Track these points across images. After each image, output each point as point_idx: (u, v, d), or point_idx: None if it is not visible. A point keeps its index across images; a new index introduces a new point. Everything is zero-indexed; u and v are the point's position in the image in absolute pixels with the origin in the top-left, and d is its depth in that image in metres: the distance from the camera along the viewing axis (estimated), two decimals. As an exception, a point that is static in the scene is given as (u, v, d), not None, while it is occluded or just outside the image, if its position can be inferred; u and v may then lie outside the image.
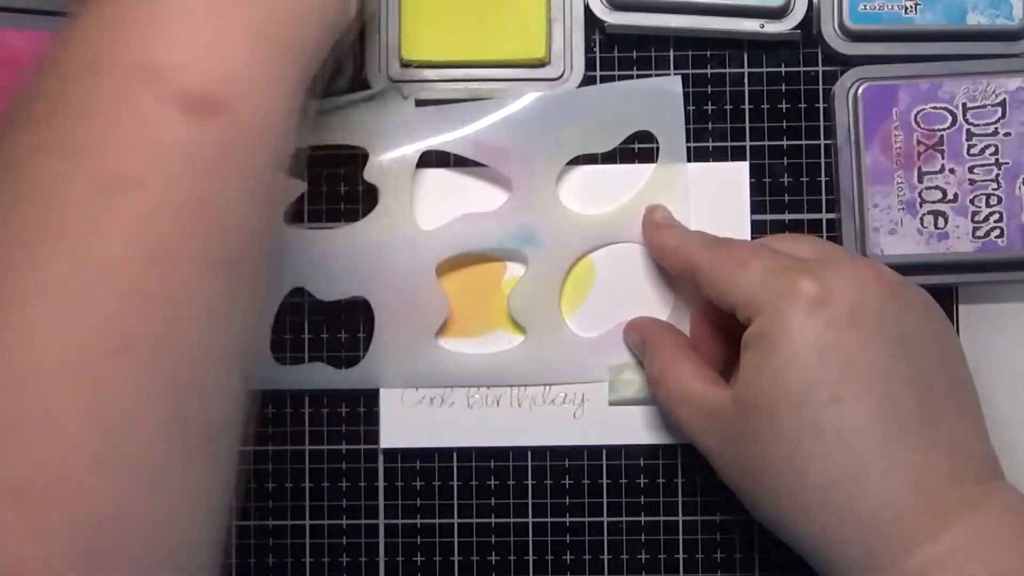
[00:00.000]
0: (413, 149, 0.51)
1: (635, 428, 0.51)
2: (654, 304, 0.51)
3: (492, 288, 0.52)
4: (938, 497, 0.40)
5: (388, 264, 0.51)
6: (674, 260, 0.48)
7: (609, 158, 0.52)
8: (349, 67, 0.51)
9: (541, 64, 0.52)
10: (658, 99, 0.51)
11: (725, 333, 0.48)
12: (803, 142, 0.52)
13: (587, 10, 0.52)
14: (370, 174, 0.51)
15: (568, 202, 0.52)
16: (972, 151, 0.49)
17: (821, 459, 0.40)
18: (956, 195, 0.49)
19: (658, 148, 0.51)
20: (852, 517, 0.40)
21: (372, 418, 0.52)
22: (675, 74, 0.52)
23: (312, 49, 0.41)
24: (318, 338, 0.52)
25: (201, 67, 0.36)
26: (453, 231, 0.51)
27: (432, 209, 0.52)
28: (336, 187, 0.53)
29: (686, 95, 0.52)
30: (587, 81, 0.52)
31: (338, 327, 0.52)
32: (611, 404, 0.51)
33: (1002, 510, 0.40)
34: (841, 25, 0.51)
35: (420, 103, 0.52)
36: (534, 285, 0.51)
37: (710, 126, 0.52)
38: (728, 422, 0.43)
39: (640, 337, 0.50)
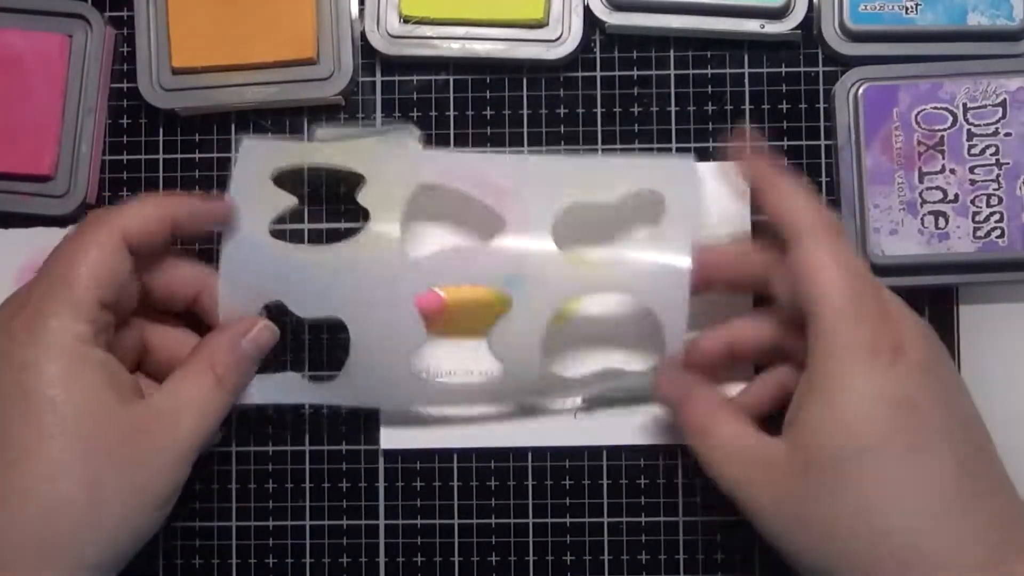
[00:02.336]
0: (411, 183, 0.49)
1: (635, 429, 0.51)
2: (637, 345, 0.51)
3: (493, 289, 0.51)
4: (1013, 548, 0.40)
5: (368, 289, 0.48)
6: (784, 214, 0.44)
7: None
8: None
9: (539, 25, 0.52)
10: (670, 165, 0.50)
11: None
12: (803, 142, 0.52)
13: (587, 10, 0.52)
14: (364, 197, 0.49)
15: (563, 231, 0.49)
16: (973, 151, 0.49)
17: (900, 512, 0.40)
18: (957, 195, 0.49)
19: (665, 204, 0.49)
20: (929, 571, 0.40)
21: (372, 418, 0.52)
22: (678, 93, 0.52)
23: None
24: (298, 356, 0.52)
25: None
26: (440, 264, 0.49)
27: (423, 230, 0.51)
28: (324, 207, 0.53)
29: (686, 95, 0.52)
30: (586, 65, 0.52)
31: (320, 349, 0.52)
32: (575, 417, 0.51)
33: None
34: (841, 25, 0.51)
35: (414, 64, 0.52)
36: (516, 327, 0.48)
37: (710, 126, 0.52)
38: (784, 475, 0.42)
39: (672, 382, 0.48)
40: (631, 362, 0.51)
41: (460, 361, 0.52)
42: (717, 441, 0.45)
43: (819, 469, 0.41)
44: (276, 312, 0.49)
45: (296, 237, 0.52)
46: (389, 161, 0.49)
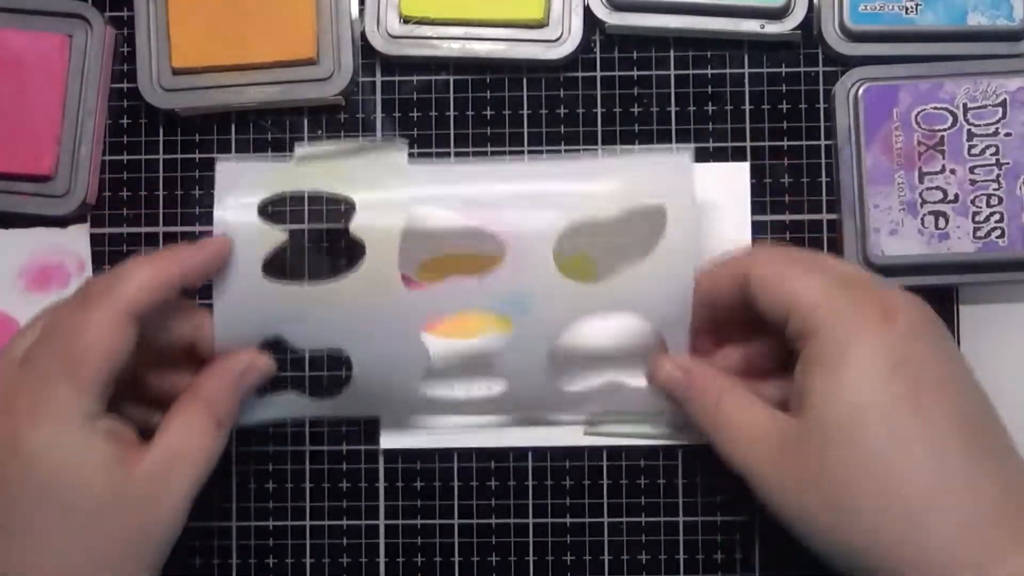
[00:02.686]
0: (403, 207, 0.47)
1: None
2: (641, 360, 0.49)
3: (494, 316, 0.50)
4: (1018, 493, 0.40)
5: (370, 324, 0.47)
6: (726, 278, 0.45)
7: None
8: None
9: (539, 25, 0.52)
10: (667, 171, 0.47)
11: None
12: (803, 143, 0.52)
13: (587, 10, 0.52)
14: (357, 229, 0.47)
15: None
16: (973, 151, 0.49)
17: (910, 472, 0.40)
18: (957, 195, 0.49)
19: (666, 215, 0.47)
20: (944, 528, 0.40)
21: (373, 418, 0.52)
22: (678, 93, 0.52)
23: None
24: (298, 369, 0.52)
25: None
26: (439, 295, 0.47)
27: (422, 241, 0.50)
28: (319, 241, 0.52)
29: (686, 95, 0.52)
30: (586, 65, 0.52)
31: (319, 361, 0.52)
32: (585, 434, 0.51)
33: None
34: (842, 25, 0.51)
35: (414, 65, 0.52)
36: (519, 348, 0.48)
37: (710, 126, 0.52)
38: (796, 449, 0.42)
39: (682, 375, 0.47)
40: (635, 377, 0.50)
41: (465, 376, 0.52)
42: (724, 420, 0.45)
43: (828, 437, 0.41)
44: (274, 342, 0.48)
45: (278, 272, 0.48)
46: (377, 184, 0.47)
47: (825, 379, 0.41)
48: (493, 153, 0.53)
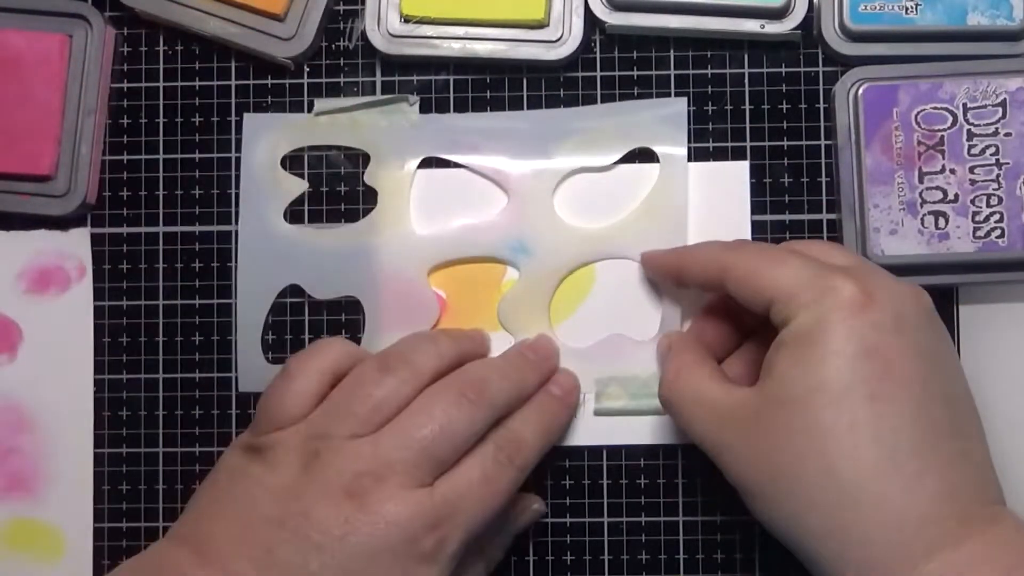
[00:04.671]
0: (414, 156, 0.52)
1: (635, 428, 0.51)
2: (648, 319, 0.51)
3: (492, 288, 0.52)
4: (963, 508, 0.40)
5: (381, 266, 0.51)
6: (697, 266, 0.47)
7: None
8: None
9: (540, 26, 0.52)
10: (661, 118, 0.51)
11: (733, 344, 0.49)
12: (803, 142, 0.52)
13: (587, 10, 0.52)
14: (371, 177, 0.52)
15: (566, 205, 0.52)
16: (973, 151, 0.49)
17: (853, 455, 0.40)
18: (957, 195, 0.49)
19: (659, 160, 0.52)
20: (879, 516, 0.40)
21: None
22: (678, 93, 0.52)
23: None
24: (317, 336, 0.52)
25: None
26: (447, 238, 0.52)
27: (430, 209, 0.52)
28: (337, 188, 0.53)
29: (686, 95, 0.52)
30: (586, 65, 0.52)
31: (337, 329, 0.52)
32: (595, 414, 0.51)
33: (1015, 528, 0.41)
34: (842, 25, 0.51)
35: (414, 64, 0.52)
36: (524, 294, 0.51)
37: (710, 126, 0.52)
38: (750, 418, 0.43)
39: (667, 344, 0.50)
40: (637, 332, 0.51)
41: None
42: (688, 394, 0.46)
43: (783, 412, 0.42)
44: (292, 293, 0.52)
45: (297, 218, 0.53)
46: (391, 137, 0.52)
47: (791, 358, 0.42)
48: (493, 153, 0.53)
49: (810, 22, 0.51)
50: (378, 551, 0.43)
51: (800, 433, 0.41)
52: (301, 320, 0.52)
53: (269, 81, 0.53)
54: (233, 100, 0.53)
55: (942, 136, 0.49)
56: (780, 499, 0.42)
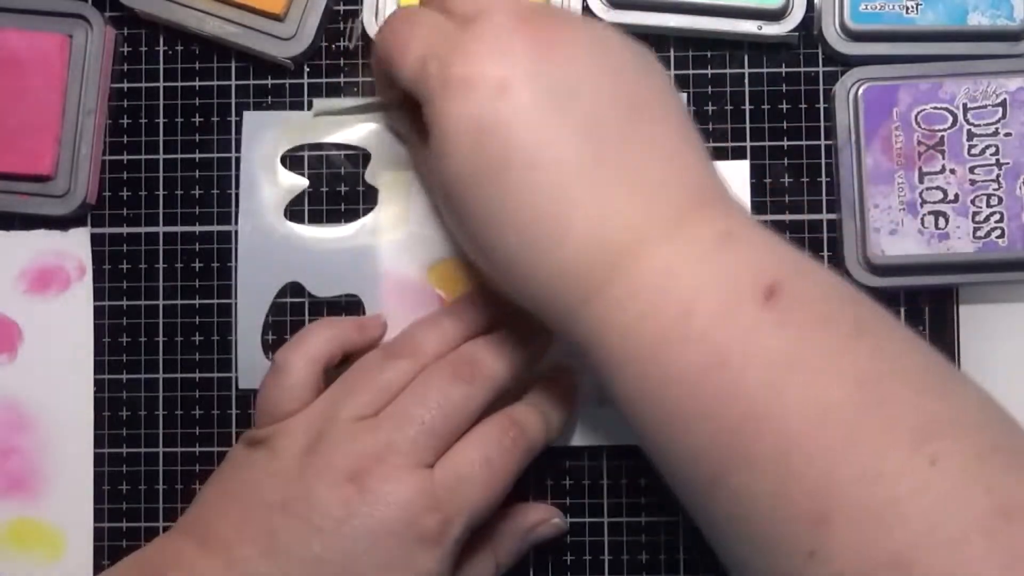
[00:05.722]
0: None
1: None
2: None
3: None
4: (648, 217, 0.39)
5: (381, 265, 0.52)
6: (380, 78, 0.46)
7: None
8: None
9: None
10: None
11: None
12: (803, 142, 0.52)
13: (587, 9, 0.52)
14: (371, 177, 0.52)
15: None
16: (973, 151, 0.49)
17: (559, 142, 0.38)
18: (957, 195, 0.49)
19: None
20: (589, 201, 0.38)
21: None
22: (676, 73, 0.52)
23: None
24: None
25: None
26: (447, 237, 0.51)
27: (430, 209, 0.52)
28: (337, 187, 0.53)
29: (686, 95, 0.52)
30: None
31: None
32: (600, 405, 0.51)
33: (713, 233, 0.39)
34: (842, 25, 0.51)
35: None
36: None
37: (710, 126, 0.52)
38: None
39: None
40: None
41: None
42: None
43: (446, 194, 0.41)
44: (292, 292, 0.52)
45: (297, 217, 0.53)
46: (391, 136, 0.52)
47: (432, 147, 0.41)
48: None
49: (809, 22, 0.51)
50: (379, 533, 0.42)
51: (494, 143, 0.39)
52: (301, 319, 0.52)
53: (269, 81, 0.53)
54: (233, 100, 0.53)
55: (942, 136, 0.49)
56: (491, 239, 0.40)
